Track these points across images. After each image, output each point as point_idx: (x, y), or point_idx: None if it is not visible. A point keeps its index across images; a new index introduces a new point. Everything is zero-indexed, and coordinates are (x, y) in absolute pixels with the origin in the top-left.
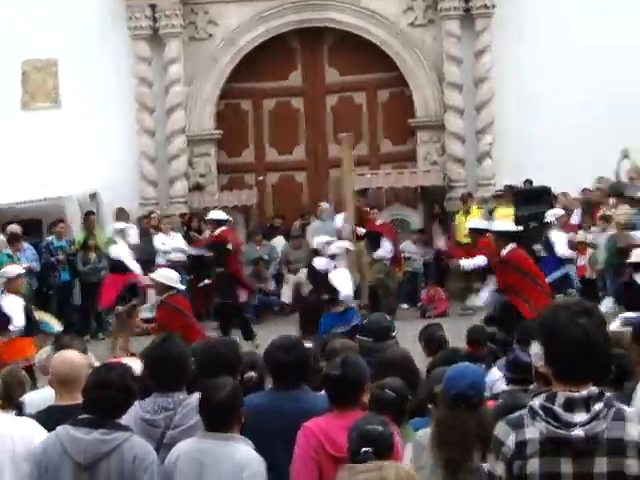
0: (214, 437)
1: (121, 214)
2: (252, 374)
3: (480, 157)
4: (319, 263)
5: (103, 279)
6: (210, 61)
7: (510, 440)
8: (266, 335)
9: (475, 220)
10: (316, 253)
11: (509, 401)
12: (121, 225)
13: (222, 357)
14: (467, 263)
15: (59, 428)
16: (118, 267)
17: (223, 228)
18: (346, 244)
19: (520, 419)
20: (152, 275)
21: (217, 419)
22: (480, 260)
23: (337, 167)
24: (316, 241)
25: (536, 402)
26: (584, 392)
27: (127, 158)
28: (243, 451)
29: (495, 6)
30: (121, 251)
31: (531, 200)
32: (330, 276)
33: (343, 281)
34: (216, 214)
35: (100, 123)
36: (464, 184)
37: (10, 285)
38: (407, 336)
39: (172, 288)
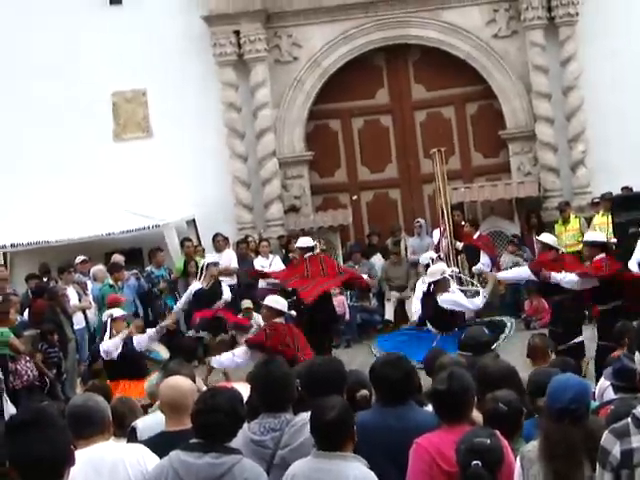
0: (328, 456)
1: (218, 240)
2: (365, 392)
3: (574, 166)
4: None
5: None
6: (296, 83)
7: (616, 449)
8: (370, 354)
9: (593, 233)
10: (427, 269)
11: (621, 408)
12: (212, 258)
13: (328, 376)
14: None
15: (171, 453)
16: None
17: (310, 254)
18: (443, 267)
19: (625, 428)
20: (265, 301)
21: (329, 438)
22: (570, 277)
23: (430, 182)
24: (423, 258)
25: (639, 410)
26: None
27: (221, 183)
28: (358, 469)
29: (579, 14)
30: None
31: (629, 206)
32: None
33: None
34: (302, 242)
35: (192, 150)
36: (560, 193)
37: (114, 325)
38: (511, 349)
39: (282, 313)
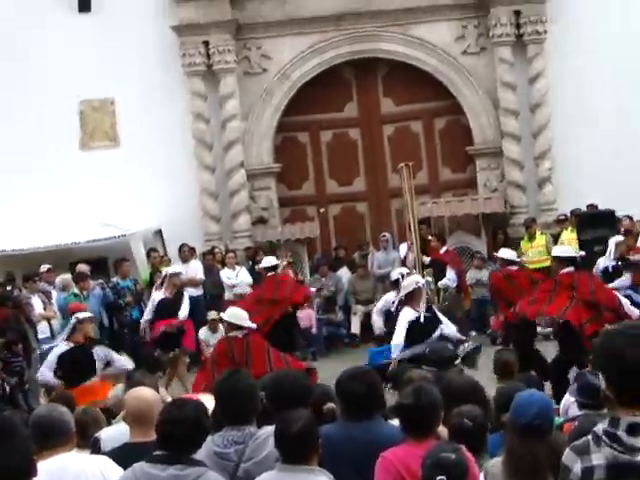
0: (293, 470)
1: (184, 250)
2: (332, 405)
3: (540, 182)
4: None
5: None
6: (265, 95)
7: (577, 467)
8: (336, 366)
9: (561, 248)
10: (396, 284)
11: (585, 425)
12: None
13: (293, 389)
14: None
15: (135, 465)
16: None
17: (272, 273)
18: (417, 278)
19: (586, 445)
20: (222, 315)
21: (294, 451)
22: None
23: (398, 197)
24: (394, 273)
25: (600, 427)
26: None
27: (188, 194)
28: None
29: (547, 31)
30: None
31: (595, 224)
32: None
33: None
34: (266, 261)
35: (159, 160)
36: (526, 210)
37: (79, 327)
38: (478, 363)
39: (241, 327)
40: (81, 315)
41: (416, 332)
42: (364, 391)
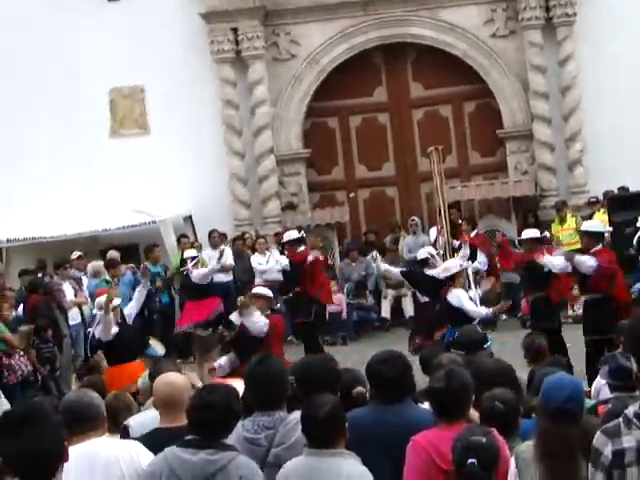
0: (320, 454)
1: (214, 236)
2: (361, 389)
3: (571, 165)
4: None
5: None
6: (294, 81)
7: (608, 450)
8: (367, 351)
9: (591, 222)
10: (423, 264)
11: (618, 407)
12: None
13: (321, 374)
14: (549, 260)
15: (167, 450)
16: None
17: (302, 248)
18: (459, 261)
19: (617, 428)
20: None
21: (321, 436)
22: (560, 261)
23: (427, 180)
24: (421, 251)
25: (631, 410)
26: None
27: (218, 180)
28: (352, 466)
29: (576, 14)
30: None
31: (625, 206)
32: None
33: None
34: (288, 235)
35: (189, 147)
36: (556, 192)
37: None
38: (508, 347)
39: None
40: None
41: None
42: (395, 374)
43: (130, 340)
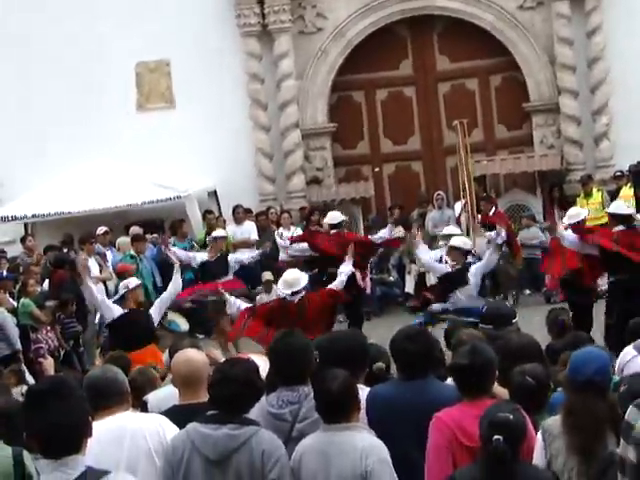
0: (334, 429)
1: (238, 211)
2: (381, 365)
3: (597, 139)
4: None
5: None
6: (320, 54)
7: None
8: (390, 326)
9: (617, 204)
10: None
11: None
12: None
13: (349, 349)
14: (561, 233)
15: (189, 425)
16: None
17: (336, 230)
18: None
19: None
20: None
21: (334, 410)
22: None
23: (453, 155)
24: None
25: None
26: None
27: (243, 155)
28: (365, 439)
29: None
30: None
31: None
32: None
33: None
34: (331, 217)
35: (215, 121)
36: (582, 167)
37: (130, 295)
38: (532, 322)
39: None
40: (131, 284)
41: None
42: (418, 350)
43: (138, 326)
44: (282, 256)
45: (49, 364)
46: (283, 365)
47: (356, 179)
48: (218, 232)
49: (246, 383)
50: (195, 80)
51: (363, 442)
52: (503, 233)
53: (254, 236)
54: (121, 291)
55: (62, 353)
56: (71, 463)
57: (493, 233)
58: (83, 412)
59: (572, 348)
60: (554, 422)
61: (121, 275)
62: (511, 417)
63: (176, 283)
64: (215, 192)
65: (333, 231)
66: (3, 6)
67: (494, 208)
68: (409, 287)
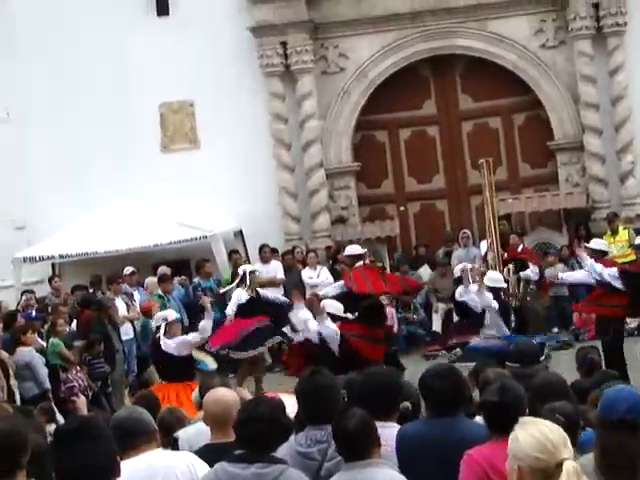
0: (354, 466)
1: (265, 251)
2: (407, 404)
3: (623, 176)
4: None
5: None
6: (343, 94)
7: None
8: (418, 365)
9: None
10: (459, 282)
11: None
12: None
13: (382, 387)
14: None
15: (217, 465)
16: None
17: (361, 263)
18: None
19: None
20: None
21: (352, 448)
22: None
23: (478, 194)
24: (457, 269)
25: None
26: None
27: (268, 194)
28: (387, 474)
29: (627, 23)
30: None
31: None
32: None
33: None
34: (351, 249)
35: (239, 161)
36: (608, 204)
37: (169, 328)
38: (560, 360)
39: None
40: (170, 317)
41: None
42: (447, 388)
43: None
44: (309, 295)
45: (82, 402)
46: (310, 404)
47: (381, 218)
48: (251, 266)
49: (272, 421)
50: (219, 120)
51: (385, 477)
52: (537, 269)
53: (280, 275)
54: (159, 322)
55: (90, 394)
56: None
57: (529, 272)
58: (111, 452)
59: (598, 386)
60: (587, 461)
61: (146, 313)
62: None
63: (207, 326)
64: (241, 232)
65: (359, 264)
66: (39, 39)
67: (521, 245)
68: (436, 326)
